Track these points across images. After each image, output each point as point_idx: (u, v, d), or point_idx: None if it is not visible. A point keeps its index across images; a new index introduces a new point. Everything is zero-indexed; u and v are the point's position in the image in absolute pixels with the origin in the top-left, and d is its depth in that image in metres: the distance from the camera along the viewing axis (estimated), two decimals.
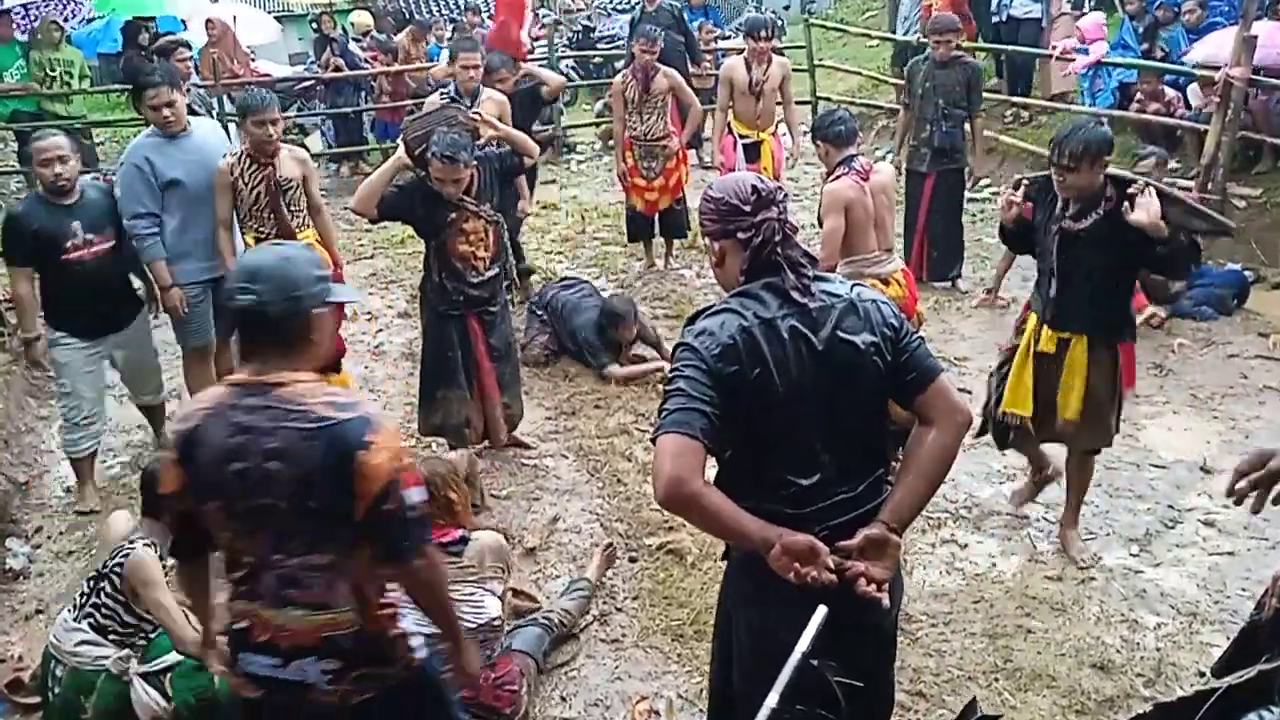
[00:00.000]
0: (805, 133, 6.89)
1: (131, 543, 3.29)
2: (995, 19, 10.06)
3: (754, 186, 2.27)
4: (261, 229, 4.90)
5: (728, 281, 2.33)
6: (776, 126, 7.46)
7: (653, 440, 2.12)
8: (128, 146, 5.15)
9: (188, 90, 5.79)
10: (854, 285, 2.31)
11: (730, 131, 7.13)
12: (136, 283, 5.09)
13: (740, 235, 2.24)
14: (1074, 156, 3.59)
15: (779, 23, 6.45)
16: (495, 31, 8.48)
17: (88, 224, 4.57)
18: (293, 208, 4.96)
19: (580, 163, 11.41)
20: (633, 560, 4.26)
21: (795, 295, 2.19)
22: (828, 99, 12.26)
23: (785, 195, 2.33)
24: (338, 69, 11.13)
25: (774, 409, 2.16)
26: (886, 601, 2.13)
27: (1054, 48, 8.85)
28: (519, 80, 6.57)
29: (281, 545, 2.12)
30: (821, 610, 1.95)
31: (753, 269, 2.25)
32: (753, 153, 7.10)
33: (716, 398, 2.10)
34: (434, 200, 4.48)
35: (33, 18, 10.72)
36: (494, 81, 6.13)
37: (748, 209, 2.24)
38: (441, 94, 5.80)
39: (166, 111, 4.80)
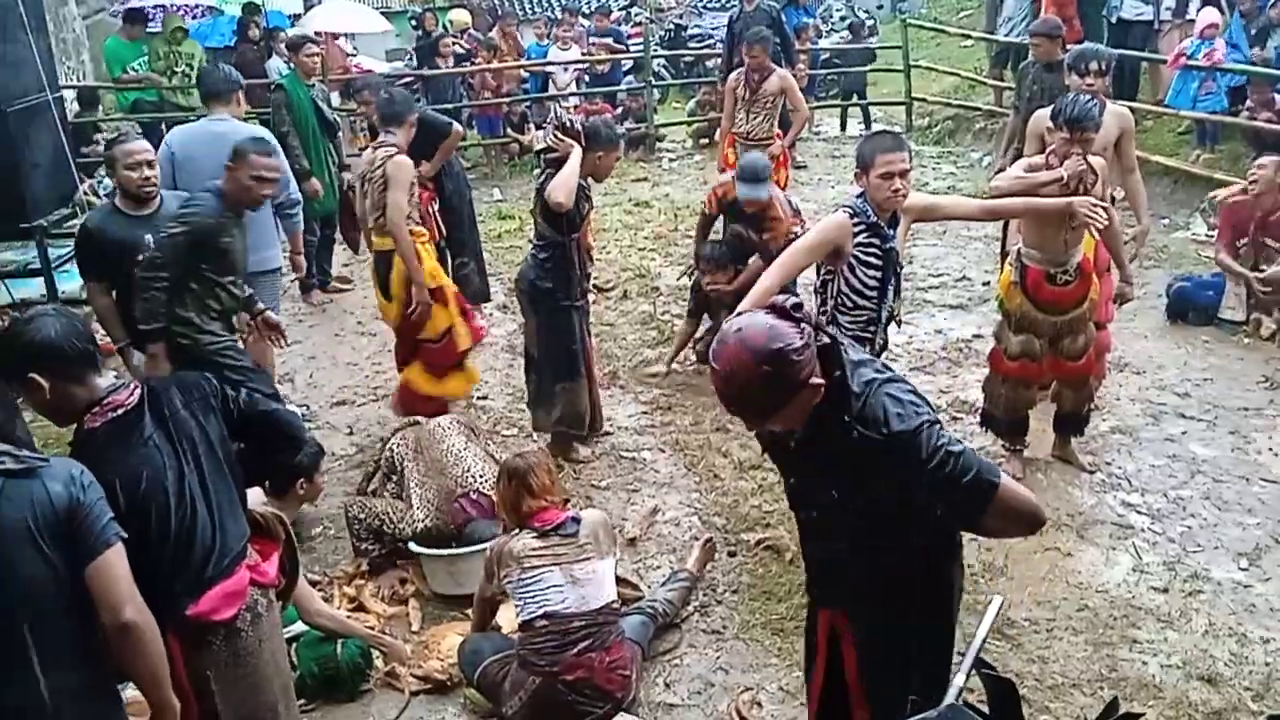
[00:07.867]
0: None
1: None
2: (1106, 20, 9.85)
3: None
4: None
5: None
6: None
7: (990, 488, 2.17)
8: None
9: (312, 85, 6.02)
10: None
11: None
12: None
13: None
14: None
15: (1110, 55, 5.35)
16: None
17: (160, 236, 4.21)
18: None
19: (671, 161, 11.49)
20: (731, 555, 4.33)
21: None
22: (923, 99, 12.17)
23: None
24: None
25: None
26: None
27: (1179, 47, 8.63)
28: None
29: None
30: (997, 600, 2.00)
31: None
32: None
33: None
34: (582, 192, 4.67)
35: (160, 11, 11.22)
36: None
37: None
38: None
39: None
